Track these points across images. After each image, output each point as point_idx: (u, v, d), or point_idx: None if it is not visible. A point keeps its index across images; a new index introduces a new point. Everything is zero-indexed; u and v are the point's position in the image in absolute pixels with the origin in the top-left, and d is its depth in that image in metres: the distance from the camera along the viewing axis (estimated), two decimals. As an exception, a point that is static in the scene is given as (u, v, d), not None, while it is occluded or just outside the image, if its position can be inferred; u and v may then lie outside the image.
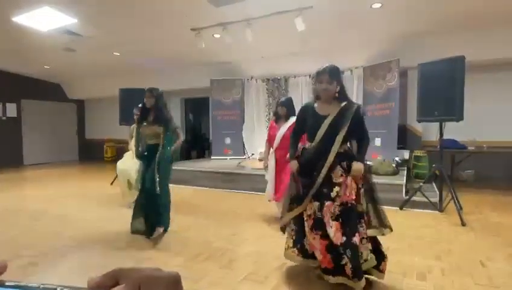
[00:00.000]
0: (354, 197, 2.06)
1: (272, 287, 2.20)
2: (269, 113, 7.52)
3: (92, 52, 6.82)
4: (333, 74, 2.12)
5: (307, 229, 2.16)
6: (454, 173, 5.40)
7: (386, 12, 4.66)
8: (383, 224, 2.16)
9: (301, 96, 7.04)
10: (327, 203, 2.05)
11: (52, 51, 6.72)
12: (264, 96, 7.54)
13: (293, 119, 3.47)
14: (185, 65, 7.71)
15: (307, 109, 2.29)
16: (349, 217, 2.03)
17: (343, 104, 2.15)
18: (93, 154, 10.66)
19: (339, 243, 1.98)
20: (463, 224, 3.49)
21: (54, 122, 10.30)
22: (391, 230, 2.18)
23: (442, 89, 3.79)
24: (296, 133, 2.40)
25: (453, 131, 4.53)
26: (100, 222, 3.84)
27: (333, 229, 2.00)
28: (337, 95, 2.15)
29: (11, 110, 9.27)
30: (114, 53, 6.98)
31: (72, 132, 11.02)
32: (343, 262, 1.97)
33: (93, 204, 4.77)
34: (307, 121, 2.26)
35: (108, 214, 4.19)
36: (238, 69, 7.63)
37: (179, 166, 6.53)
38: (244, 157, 7.40)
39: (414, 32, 5.35)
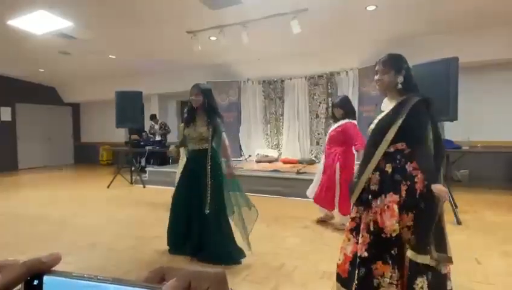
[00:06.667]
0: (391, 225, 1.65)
1: (270, 287, 2.21)
2: (266, 115, 7.57)
3: (88, 55, 6.80)
4: (387, 63, 1.76)
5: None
6: (449, 173, 5.44)
7: (380, 14, 4.71)
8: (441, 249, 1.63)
9: (297, 98, 7.09)
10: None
11: (47, 54, 6.69)
12: (260, 98, 7.58)
13: (345, 121, 3.38)
14: (181, 68, 7.71)
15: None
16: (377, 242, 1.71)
17: (403, 97, 1.73)
18: (89, 157, 10.61)
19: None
20: (458, 223, 3.54)
21: (49, 126, 10.24)
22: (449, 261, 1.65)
23: (436, 89, 3.82)
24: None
25: (448, 131, 4.58)
26: (98, 224, 3.83)
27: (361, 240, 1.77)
28: (400, 86, 1.74)
29: (6, 114, 9.20)
30: (110, 56, 6.97)
31: (68, 135, 10.97)
32: (354, 277, 1.76)
33: (90, 208, 4.75)
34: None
35: (105, 216, 4.18)
36: (235, 71, 7.65)
37: (176, 168, 6.53)
38: (241, 159, 7.42)
39: (408, 34, 5.41)
